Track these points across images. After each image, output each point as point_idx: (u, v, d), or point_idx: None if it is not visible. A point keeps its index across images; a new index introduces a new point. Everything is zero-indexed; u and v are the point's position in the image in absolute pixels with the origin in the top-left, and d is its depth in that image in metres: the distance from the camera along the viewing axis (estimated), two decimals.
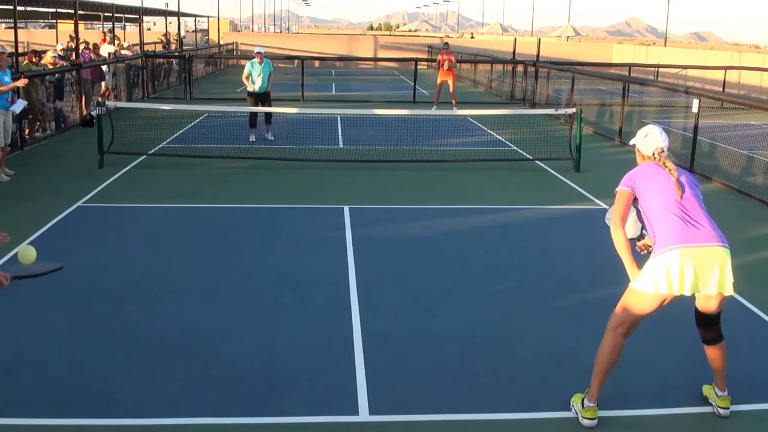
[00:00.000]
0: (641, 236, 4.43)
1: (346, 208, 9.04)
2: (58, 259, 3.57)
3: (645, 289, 4.07)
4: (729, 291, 4.09)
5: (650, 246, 4.24)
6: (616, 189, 4.29)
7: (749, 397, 4.57)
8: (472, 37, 72.85)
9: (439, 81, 19.41)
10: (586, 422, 4.22)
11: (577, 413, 4.29)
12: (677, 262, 3.98)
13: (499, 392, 4.60)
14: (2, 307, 5.81)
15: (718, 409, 4.38)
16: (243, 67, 14.45)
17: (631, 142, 4.51)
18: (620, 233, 4.18)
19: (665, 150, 4.33)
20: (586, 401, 4.28)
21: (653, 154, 4.32)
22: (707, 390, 4.52)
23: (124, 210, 8.98)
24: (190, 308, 5.86)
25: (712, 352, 4.35)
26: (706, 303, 4.20)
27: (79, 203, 9.06)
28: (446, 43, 21.80)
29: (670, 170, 4.21)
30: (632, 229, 4.44)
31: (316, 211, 9.02)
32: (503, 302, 6.13)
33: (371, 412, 4.32)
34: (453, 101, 19.04)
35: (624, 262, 4.17)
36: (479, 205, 9.50)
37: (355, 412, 4.32)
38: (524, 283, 6.63)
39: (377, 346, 5.19)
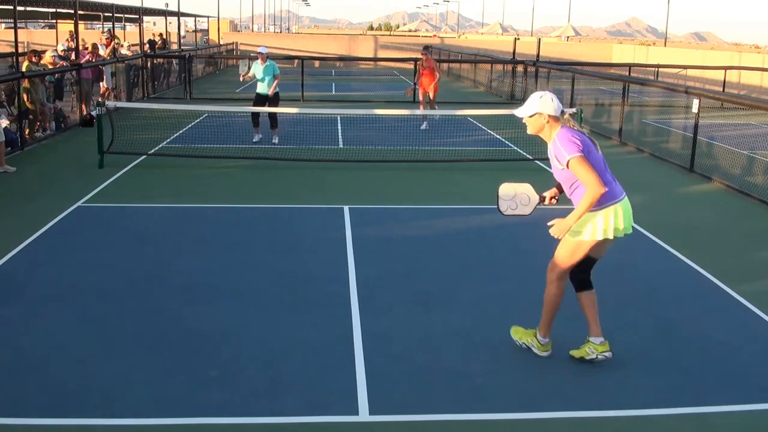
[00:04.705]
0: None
1: (346, 208, 9.04)
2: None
3: (594, 238, 4.59)
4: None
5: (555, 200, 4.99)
6: (575, 156, 4.52)
7: (749, 397, 4.57)
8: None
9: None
10: (543, 353, 4.97)
11: (531, 347, 4.99)
12: (619, 213, 4.57)
13: (499, 392, 4.60)
14: (2, 307, 5.81)
15: (604, 354, 4.76)
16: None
17: (532, 111, 4.65)
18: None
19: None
20: (540, 337, 4.95)
21: (563, 116, 4.69)
22: (578, 351, 4.88)
23: (124, 210, 8.98)
24: (190, 308, 5.85)
25: (588, 299, 4.81)
26: (600, 249, 4.72)
27: (79, 203, 9.06)
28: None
29: (584, 133, 4.67)
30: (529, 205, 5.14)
31: (316, 211, 9.02)
32: (503, 302, 6.13)
33: (371, 412, 4.32)
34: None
35: (577, 215, 4.58)
36: (479, 205, 9.49)
37: (355, 412, 4.32)
38: (524, 283, 6.62)
39: (377, 346, 5.19)
